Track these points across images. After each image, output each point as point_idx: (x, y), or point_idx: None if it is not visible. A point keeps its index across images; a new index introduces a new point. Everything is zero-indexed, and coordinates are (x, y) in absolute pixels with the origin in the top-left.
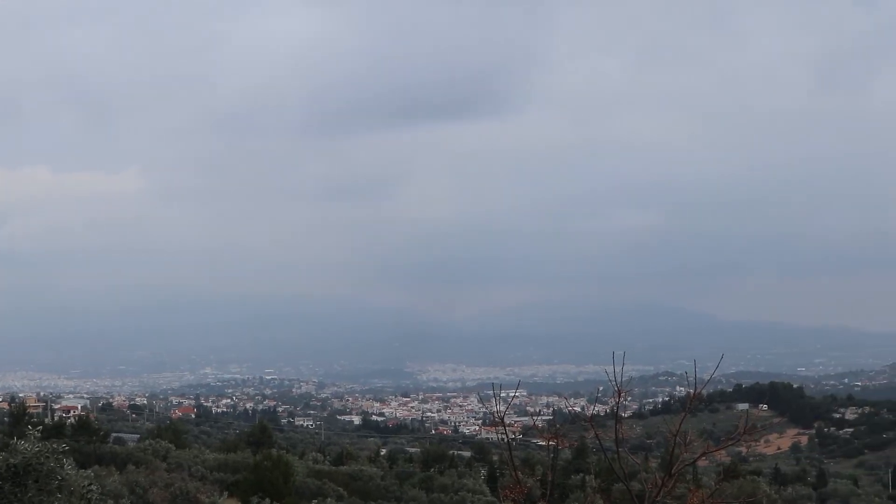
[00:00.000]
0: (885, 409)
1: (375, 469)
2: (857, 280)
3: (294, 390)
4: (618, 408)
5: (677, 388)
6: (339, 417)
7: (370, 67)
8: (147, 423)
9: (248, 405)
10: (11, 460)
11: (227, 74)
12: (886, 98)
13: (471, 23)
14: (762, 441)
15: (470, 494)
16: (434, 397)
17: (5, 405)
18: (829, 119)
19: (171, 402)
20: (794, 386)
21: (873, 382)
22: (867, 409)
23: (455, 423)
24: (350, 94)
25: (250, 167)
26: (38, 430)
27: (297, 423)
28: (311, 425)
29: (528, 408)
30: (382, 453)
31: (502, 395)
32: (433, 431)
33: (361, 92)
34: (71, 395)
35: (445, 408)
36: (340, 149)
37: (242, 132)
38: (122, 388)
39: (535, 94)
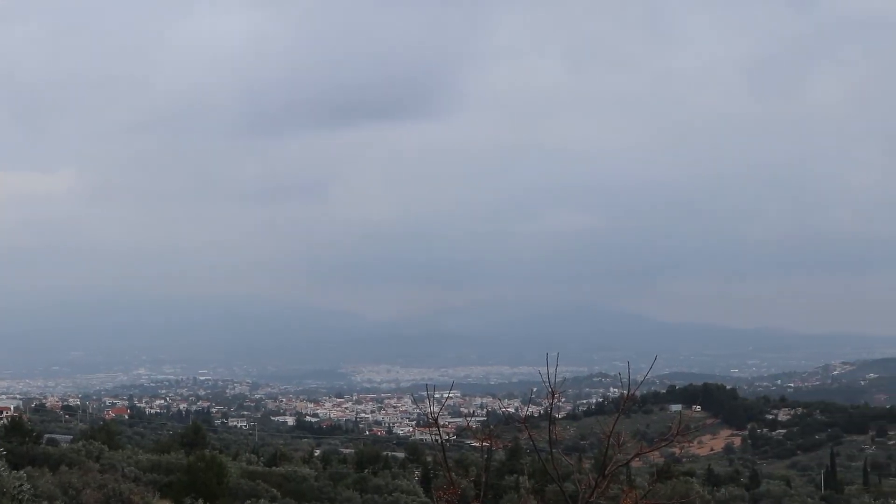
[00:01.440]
0: (818, 411)
1: (309, 470)
2: (789, 282)
3: (228, 391)
4: (551, 409)
5: (611, 389)
6: (272, 418)
7: (309, 68)
8: (80, 423)
9: (182, 406)
10: None
11: (165, 74)
12: (819, 101)
13: (409, 25)
14: (695, 442)
15: (404, 495)
16: (368, 398)
17: None
18: (763, 122)
19: (105, 402)
20: (728, 387)
21: (806, 384)
22: (800, 410)
23: (389, 424)
24: (288, 94)
25: (188, 167)
26: None
27: (230, 423)
28: (245, 426)
29: (462, 409)
30: (316, 454)
31: (436, 396)
32: (367, 432)
33: (300, 92)
34: (3, 396)
35: (379, 409)
36: (278, 149)
37: (180, 132)
38: (56, 389)
39: (472, 96)
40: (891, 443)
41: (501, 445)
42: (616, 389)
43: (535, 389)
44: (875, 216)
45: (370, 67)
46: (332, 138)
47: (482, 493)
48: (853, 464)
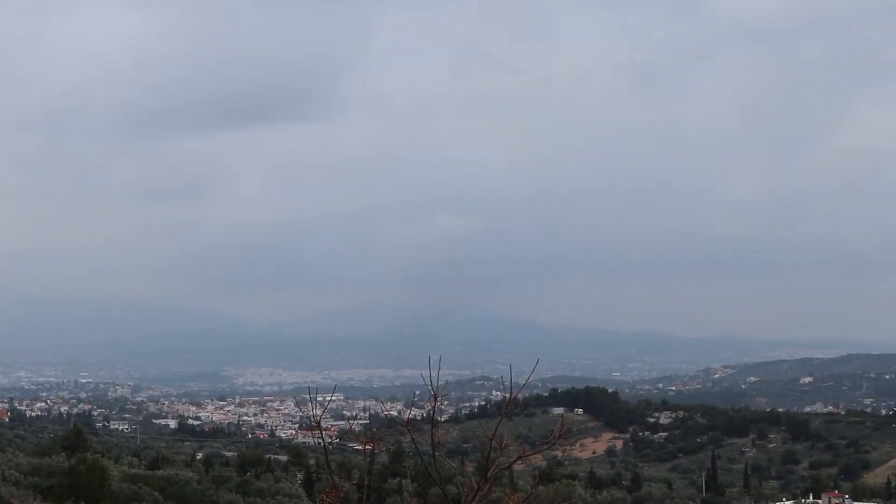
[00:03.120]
0: (699, 414)
1: (191, 473)
2: (671, 286)
3: (110, 394)
4: (434, 412)
5: (493, 392)
6: (155, 421)
7: (191, 69)
8: None
9: (64, 409)
10: None
11: (43, 75)
12: (699, 107)
13: (290, 27)
14: (577, 445)
15: (286, 499)
16: (251, 401)
17: None
18: (643, 127)
19: None
20: (610, 391)
21: (687, 387)
22: (681, 413)
23: (272, 426)
24: (171, 95)
25: (67, 169)
26: None
27: (112, 427)
28: (127, 429)
29: (344, 412)
30: (198, 457)
31: (319, 398)
32: (250, 435)
33: (182, 94)
34: None
35: (262, 412)
36: (160, 151)
37: (59, 133)
38: None
39: (353, 99)
40: (771, 445)
41: (384, 448)
42: (498, 392)
43: (417, 392)
44: (755, 221)
45: (252, 69)
46: (214, 140)
47: (365, 497)
48: (734, 466)
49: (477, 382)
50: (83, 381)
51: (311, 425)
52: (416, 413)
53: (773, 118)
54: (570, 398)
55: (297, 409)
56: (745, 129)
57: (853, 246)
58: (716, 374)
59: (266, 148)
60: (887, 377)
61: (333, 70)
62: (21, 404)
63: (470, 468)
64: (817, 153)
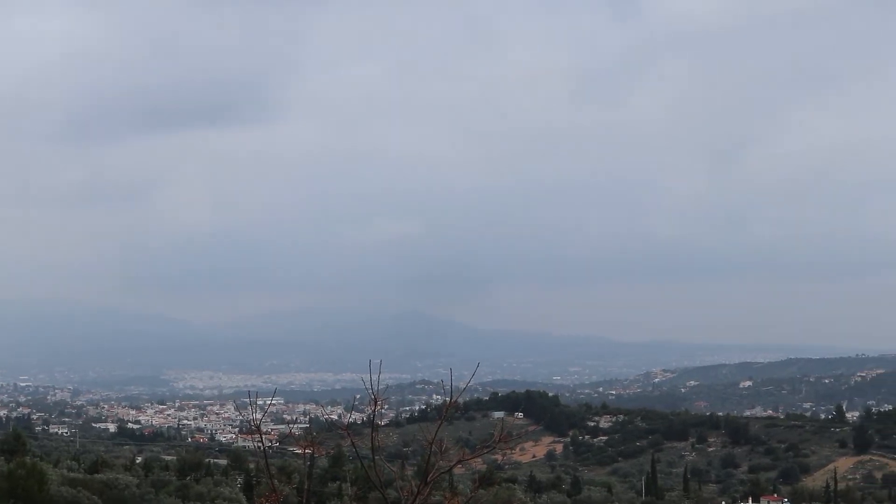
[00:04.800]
0: (639, 418)
1: (131, 477)
2: (611, 290)
3: (49, 397)
4: (374, 416)
5: (434, 396)
6: (94, 425)
7: (133, 72)
8: None
9: (2, 413)
10: None
11: None
12: (642, 112)
13: (233, 30)
14: (518, 449)
15: (226, 503)
16: (191, 405)
17: None
18: (588, 131)
19: None
20: (550, 394)
21: (627, 391)
22: (621, 417)
23: (212, 430)
24: (108, 99)
25: (4, 171)
26: None
27: (51, 430)
28: (66, 433)
29: (285, 416)
30: (138, 461)
31: (259, 402)
32: (189, 439)
33: (119, 97)
34: None
35: (202, 415)
36: (98, 154)
37: None
38: None
39: (297, 102)
40: (710, 449)
41: (324, 452)
42: (439, 396)
43: (358, 396)
44: (697, 226)
45: (192, 72)
46: (154, 143)
47: (305, 500)
48: (674, 470)
49: (417, 386)
50: (22, 384)
51: (251, 429)
52: (356, 417)
53: (715, 123)
54: (511, 402)
55: (238, 413)
56: (687, 134)
57: (794, 251)
58: (656, 378)
59: (206, 151)
60: (826, 381)
61: (274, 72)
62: None
63: (410, 472)
64: (759, 158)
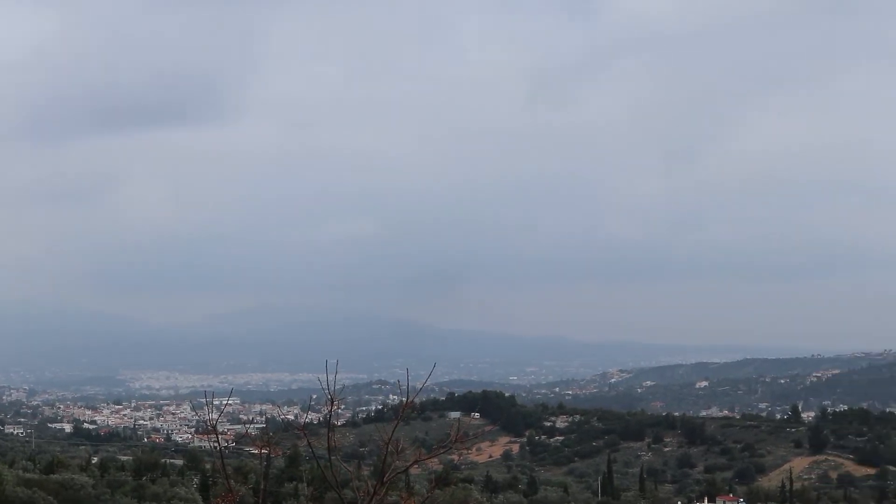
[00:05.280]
0: (595, 418)
1: (87, 478)
2: (568, 290)
3: (4, 398)
4: (331, 416)
5: (391, 396)
6: (50, 425)
7: (86, 73)
8: None
9: None
10: None
11: None
12: (599, 113)
13: (189, 31)
14: (474, 449)
15: (182, 503)
16: (147, 405)
17: None
18: (545, 132)
19: None
20: (507, 395)
21: (584, 391)
22: (577, 417)
23: (168, 431)
24: (65, 99)
25: None
26: None
27: (6, 431)
28: (22, 433)
29: (241, 416)
30: (94, 462)
31: (215, 402)
32: (146, 439)
33: (76, 97)
34: None
35: (158, 416)
36: (54, 154)
37: None
38: None
39: (254, 101)
40: (666, 449)
41: (280, 453)
42: (395, 396)
43: (314, 396)
44: (654, 226)
45: (150, 72)
46: (111, 143)
47: (261, 501)
48: (630, 470)
49: (374, 386)
50: None
51: (207, 429)
52: (313, 417)
53: (672, 124)
54: (468, 402)
55: (194, 413)
56: (643, 135)
57: (750, 252)
58: (612, 378)
59: (164, 149)
60: (782, 381)
61: (232, 72)
62: None
63: (366, 472)
64: (715, 159)
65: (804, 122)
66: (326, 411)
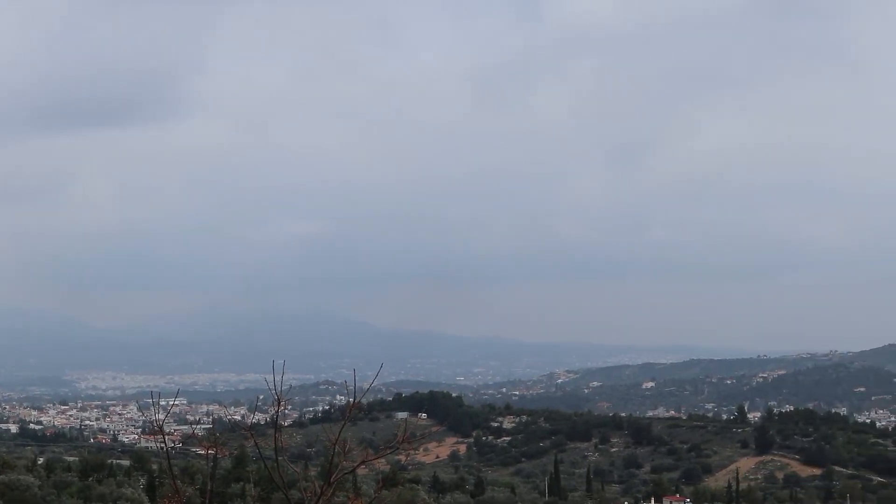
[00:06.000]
0: (542, 418)
1: (33, 479)
2: (515, 291)
3: None
4: (277, 416)
5: (337, 396)
6: None
7: (32, 73)
8: None
9: None
10: None
11: None
12: (545, 113)
13: (136, 30)
14: (421, 450)
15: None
16: (93, 405)
17: None
18: (489, 133)
19: None
20: (454, 395)
21: (531, 392)
22: (524, 417)
23: (114, 431)
24: (11, 99)
25: None
26: None
27: None
28: None
29: (188, 416)
30: (40, 462)
31: (162, 403)
32: (92, 440)
33: (23, 97)
34: None
35: (105, 416)
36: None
37: None
38: None
39: (202, 100)
40: (613, 450)
41: (227, 453)
42: (342, 397)
43: (261, 397)
44: (601, 227)
45: (97, 72)
46: (58, 141)
47: (208, 501)
48: (577, 470)
49: (321, 387)
50: None
51: (153, 430)
52: (259, 417)
53: (618, 125)
54: (415, 403)
55: (140, 414)
56: (589, 135)
57: (696, 254)
58: (559, 378)
59: (110, 149)
60: (728, 382)
61: (179, 71)
62: None
63: (313, 473)
64: (661, 160)
65: (749, 124)
66: (273, 412)
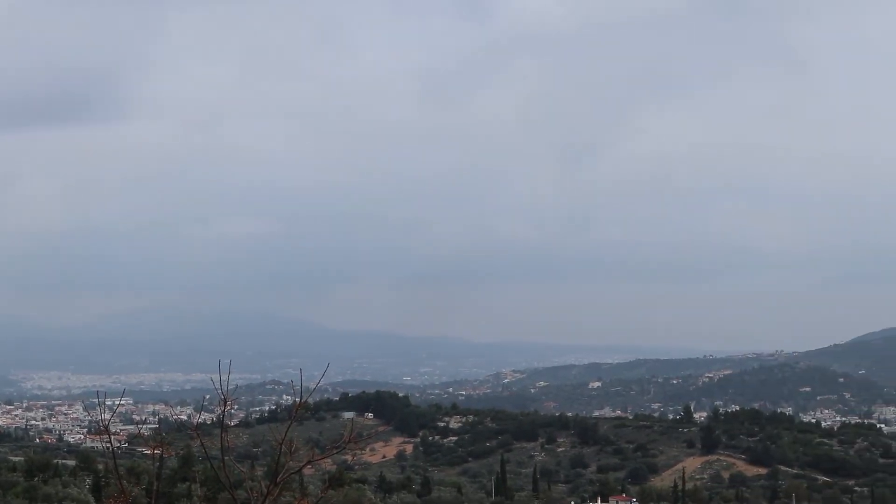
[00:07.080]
0: (489, 418)
1: None
2: (461, 291)
3: None
4: (224, 416)
5: (284, 396)
6: None
7: None
8: None
9: None
10: None
11: None
12: (491, 113)
13: (80, 28)
14: (368, 449)
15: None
16: (39, 405)
17: None
18: (435, 133)
19: None
20: (400, 395)
21: (477, 392)
22: (471, 417)
23: (60, 431)
24: None
25: None
26: None
27: None
28: None
29: (134, 416)
30: None
31: (108, 403)
32: (37, 440)
33: None
34: None
35: (50, 416)
36: None
37: None
38: None
39: (149, 99)
40: (560, 450)
41: (173, 453)
42: (289, 397)
43: (207, 397)
44: (546, 227)
45: (40, 70)
46: (3, 140)
47: (154, 501)
48: (523, 470)
49: (268, 387)
50: None
51: (99, 430)
52: (206, 417)
53: (564, 125)
54: (361, 402)
55: (86, 414)
56: (535, 135)
57: (641, 253)
58: (506, 378)
59: (58, 148)
60: (674, 382)
61: (126, 70)
62: None
63: (260, 472)
64: (607, 161)
65: (696, 126)
66: (219, 412)
